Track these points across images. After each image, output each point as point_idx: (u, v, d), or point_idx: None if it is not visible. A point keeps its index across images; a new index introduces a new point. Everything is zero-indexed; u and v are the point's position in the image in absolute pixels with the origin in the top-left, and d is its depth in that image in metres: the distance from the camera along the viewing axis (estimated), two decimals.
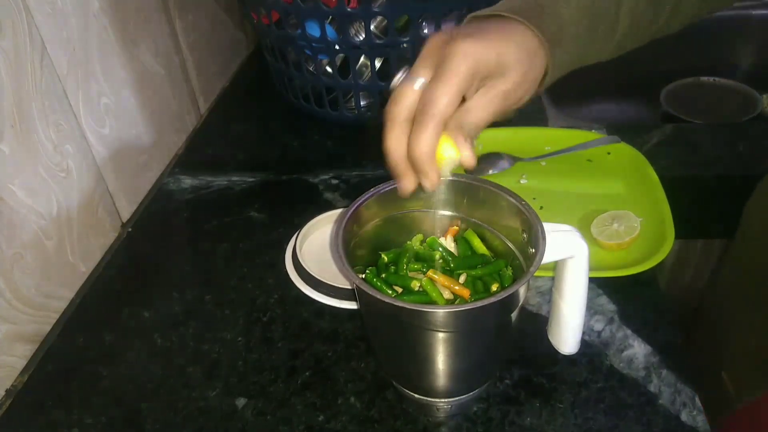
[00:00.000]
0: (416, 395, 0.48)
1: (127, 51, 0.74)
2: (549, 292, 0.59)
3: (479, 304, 0.38)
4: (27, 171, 0.58)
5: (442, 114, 0.38)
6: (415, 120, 0.38)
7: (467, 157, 0.40)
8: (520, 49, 0.40)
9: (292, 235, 0.68)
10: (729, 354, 0.65)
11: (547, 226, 0.42)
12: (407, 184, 0.41)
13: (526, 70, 0.40)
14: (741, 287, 0.65)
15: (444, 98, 0.37)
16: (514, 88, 0.40)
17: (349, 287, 0.59)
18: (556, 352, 0.52)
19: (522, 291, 0.42)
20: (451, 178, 0.47)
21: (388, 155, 0.40)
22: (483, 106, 0.39)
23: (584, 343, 0.54)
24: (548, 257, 0.41)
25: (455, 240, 0.49)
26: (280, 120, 0.94)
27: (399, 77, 0.40)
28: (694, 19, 0.50)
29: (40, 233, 0.59)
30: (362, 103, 0.86)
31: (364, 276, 0.46)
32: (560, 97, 0.97)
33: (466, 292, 0.44)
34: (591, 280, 0.47)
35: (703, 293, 0.74)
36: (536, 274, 0.40)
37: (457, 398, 0.48)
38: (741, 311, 0.65)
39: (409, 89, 0.39)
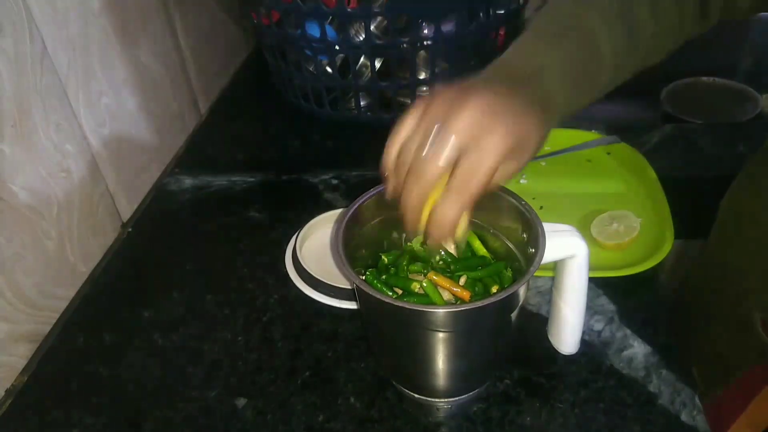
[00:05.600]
0: (416, 395, 0.48)
1: (127, 51, 0.74)
2: (549, 292, 0.59)
3: (479, 304, 0.38)
4: (27, 171, 0.58)
5: (480, 191, 0.37)
6: (452, 188, 0.37)
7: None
8: (539, 125, 0.40)
9: (292, 235, 0.68)
10: (698, 349, 0.66)
11: (547, 226, 0.42)
12: (412, 226, 0.40)
13: (538, 145, 0.40)
14: (710, 286, 0.66)
15: (485, 177, 0.37)
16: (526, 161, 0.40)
17: (349, 287, 0.59)
18: (556, 352, 0.52)
19: (522, 291, 0.42)
20: None
21: (405, 209, 0.39)
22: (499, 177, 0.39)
23: (584, 343, 0.54)
24: (548, 257, 0.41)
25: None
26: (280, 120, 0.94)
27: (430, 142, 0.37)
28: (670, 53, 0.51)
29: (40, 233, 0.59)
30: (362, 103, 0.86)
31: (364, 278, 0.46)
32: None
33: (466, 294, 0.44)
34: (591, 280, 0.47)
35: (681, 287, 0.74)
36: (536, 274, 0.40)
37: (457, 398, 0.48)
38: (709, 309, 0.66)
39: (443, 157, 0.37)
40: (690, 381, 0.51)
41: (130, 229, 0.73)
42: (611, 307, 0.58)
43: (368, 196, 0.46)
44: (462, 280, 0.46)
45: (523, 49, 0.44)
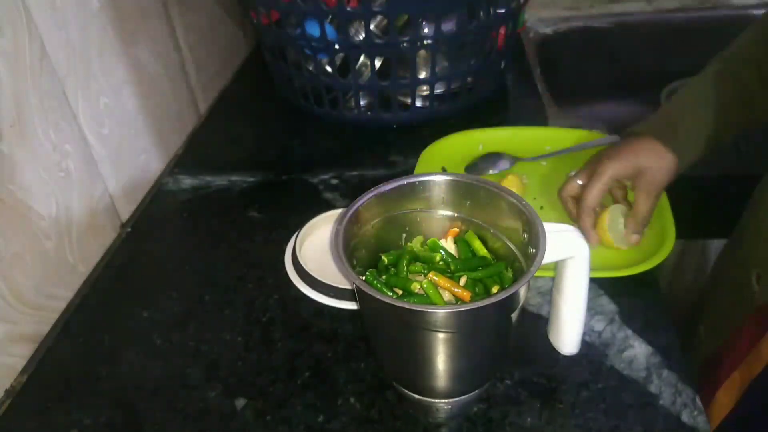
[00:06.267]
0: (416, 396, 0.48)
1: (127, 51, 0.74)
2: (549, 292, 0.59)
3: (479, 304, 0.38)
4: (26, 171, 0.57)
5: (590, 204, 0.61)
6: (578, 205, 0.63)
7: (634, 239, 0.62)
8: (649, 154, 0.61)
9: (292, 235, 0.68)
10: (706, 310, 0.72)
11: (548, 226, 0.42)
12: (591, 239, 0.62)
13: (656, 166, 0.60)
14: (725, 261, 0.71)
15: (591, 195, 0.61)
16: (651, 180, 0.60)
17: (349, 287, 0.59)
18: (556, 353, 0.52)
19: (522, 291, 0.41)
20: (453, 179, 0.47)
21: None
22: (640, 201, 0.61)
23: (585, 344, 0.53)
24: (548, 257, 0.41)
25: (456, 242, 0.49)
26: (280, 120, 0.94)
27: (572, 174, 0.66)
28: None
29: (40, 233, 0.59)
30: (362, 102, 0.86)
31: (364, 278, 0.46)
32: (560, 96, 0.97)
33: (466, 295, 0.44)
34: (591, 280, 0.46)
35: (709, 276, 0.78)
36: (536, 274, 0.40)
37: (457, 399, 0.48)
38: (720, 277, 0.71)
39: (574, 184, 0.65)
40: (691, 381, 0.51)
41: (129, 229, 0.73)
42: (612, 307, 0.58)
43: (368, 196, 0.46)
44: (462, 281, 0.46)
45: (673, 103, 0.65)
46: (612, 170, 0.60)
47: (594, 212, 0.62)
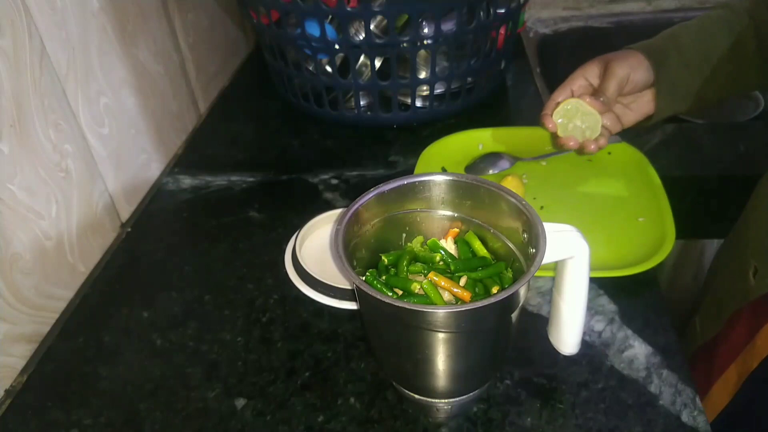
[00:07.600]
0: (416, 396, 0.48)
1: (127, 50, 0.74)
2: (549, 292, 0.59)
3: (480, 304, 0.38)
4: (26, 171, 0.57)
5: (553, 96, 0.67)
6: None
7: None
8: (620, 54, 0.65)
9: (292, 235, 0.68)
10: (702, 303, 0.72)
11: (548, 226, 0.42)
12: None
13: (622, 55, 0.64)
14: (726, 254, 0.72)
15: (557, 90, 0.67)
16: (615, 64, 0.63)
17: (349, 287, 0.59)
18: (556, 353, 0.52)
19: (522, 291, 0.41)
20: (453, 179, 0.47)
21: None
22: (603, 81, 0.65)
23: (585, 344, 0.53)
24: (549, 257, 0.41)
25: (456, 242, 0.49)
26: (280, 120, 0.94)
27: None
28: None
29: (39, 233, 0.59)
30: (362, 102, 0.86)
31: (364, 278, 0.46)
32: None
33: (466, 295, 0.44)
34: (591, 280, 0.46)
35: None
36: (536, 274, 0.40)
37: (457, 399, 0.48)
38: (718, 270, 0.72)
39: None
40: (691, 381, 0.51)
41: (129, 229, 0.73)
42: (612, 307, 0.58)
43: (368, 196, 0.46)
44: (462, 281, 0.46)
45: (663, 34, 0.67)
46: (581, 69, 0.66)
47: (554, 103, 0.66)
